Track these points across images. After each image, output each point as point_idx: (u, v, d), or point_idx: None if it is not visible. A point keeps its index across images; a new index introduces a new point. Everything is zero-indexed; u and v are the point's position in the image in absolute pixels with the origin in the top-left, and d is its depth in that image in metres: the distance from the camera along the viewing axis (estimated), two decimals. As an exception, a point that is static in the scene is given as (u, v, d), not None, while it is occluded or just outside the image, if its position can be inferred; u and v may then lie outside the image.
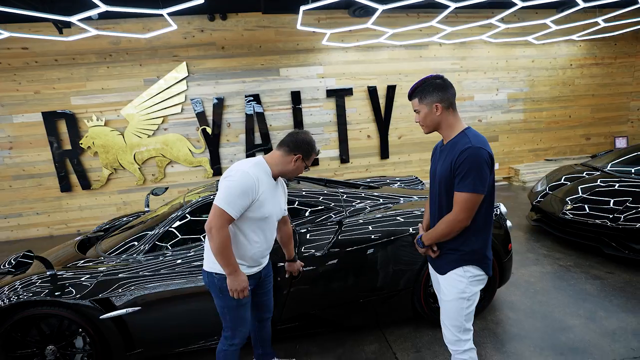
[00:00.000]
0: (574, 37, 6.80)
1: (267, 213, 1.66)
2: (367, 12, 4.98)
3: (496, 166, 7.00)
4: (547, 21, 5.73)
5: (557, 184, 4.18)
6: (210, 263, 1.67)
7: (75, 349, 2.11)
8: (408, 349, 2.27)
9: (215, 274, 1.65)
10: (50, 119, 5.54)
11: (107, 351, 2.08)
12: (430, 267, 1.73)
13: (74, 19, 3.67)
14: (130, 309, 2.02)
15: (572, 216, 3.52)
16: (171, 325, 2.16)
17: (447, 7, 4.45)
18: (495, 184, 6.09)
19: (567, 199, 3.72)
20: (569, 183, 4.07)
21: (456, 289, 1.55)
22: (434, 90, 1.52)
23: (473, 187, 1.41)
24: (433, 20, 5.11)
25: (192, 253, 2.25)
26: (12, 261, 2.40)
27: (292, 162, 1.67)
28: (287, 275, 2.10)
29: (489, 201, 1.51)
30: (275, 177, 1.73)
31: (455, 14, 6.24)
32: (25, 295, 1.96)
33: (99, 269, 2.16)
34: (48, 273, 2.08)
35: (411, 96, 1.59)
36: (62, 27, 5.25)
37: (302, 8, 4.11)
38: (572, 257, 3.43)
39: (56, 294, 1.99)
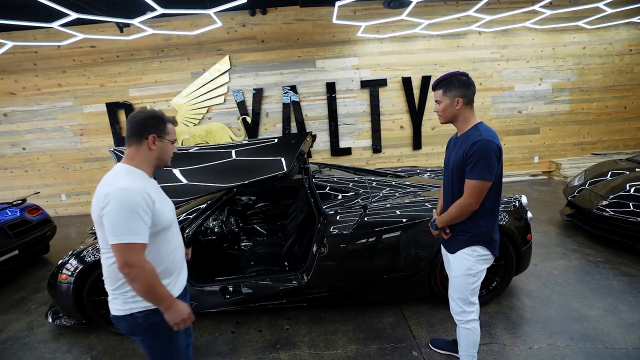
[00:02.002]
0: (635, 19, 6.27)
1: (170, 217, 1.46)
2: (402, 3, 5.01)
3: (535, 159, 6.80)
4: (601, 4, 5.36)
5: (598, 180, 4.04)
6: (122, 305, 1.36)
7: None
8: (422, 323, 2.48)
9: (137, 312, 1.35)
10: (112, 109, 6.28)
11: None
12: (442, 247, 1.93)
13: (135, 21, 4.17)
14: None
15: (612, 213, 3.44)
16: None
17: (485, -4, 4.38)
18: (534, 177, 5.92)
19: (610, 196, 3.59)
20: (613, 179, 3.92)
21: (464, 266, 1.74)
22: (459, 85, 1.66)
23: (481, 175, 1.57)
24: (472, 9, 5.02)
25: None
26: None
27: (151, 148, 1.40)
28: None
29: (496, 188, 1.67)
30: (152, 176, 1.48)
31: (498, 0, 6.03)
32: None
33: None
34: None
35: (435, 87, 1.74)
36: (122, 26, 5.87)
37: (338, 3, 4.27)
38: (603, 253, 3.38)
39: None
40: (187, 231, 2.66)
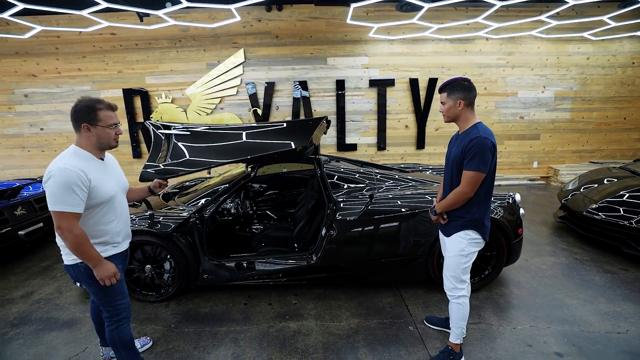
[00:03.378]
0: (639, 33, 6.47)
1: (110, 192, 1.72)
2: (414, 7, 5.21)
3: (534, 164, 7.02)
4: (605, 18, 5.55)
5: (592, 185, 4.26)
6: (68, 256, 1.70)
7: (164, 270, 2.83)
8: (419, 304, 2.73)
9: (80, 263, 1.68)
10: (129, 94, 6.51)
11: (186, 274, 2.79)
12: (440, 232, 2.16)
13: (161, 12, 4.38)
14: None
15: (603, 216, 3.66)
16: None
17: (493, 4, 4.58)
18: (532, 182, 6.20)
19: (603, 200, 3.79)
20: (608, 184, 4.14)
21: (457, 248, 1.98)
22: (461, 89, 1.90)
23: (477, 167, 1.81)
24: (480, 16, 5.22)
25: None
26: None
27: (88, 135, 1.65)
28: (158, 192, 2.16)
29: (490, 180, 1.90)
30: (100, 156, 1.74)
31: (506, 9, 6.22)
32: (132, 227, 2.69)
33: (183, 214, 2.85)
34: (147, 213, 2.80)
35: (441, 90, 2.00)
36: (142, 15, 6.08)
37: (353, 5, 4.48)
38: (589, 253, 3.61)
39: (155, 228, 2.70)
40: (207, 210, 2.90)
